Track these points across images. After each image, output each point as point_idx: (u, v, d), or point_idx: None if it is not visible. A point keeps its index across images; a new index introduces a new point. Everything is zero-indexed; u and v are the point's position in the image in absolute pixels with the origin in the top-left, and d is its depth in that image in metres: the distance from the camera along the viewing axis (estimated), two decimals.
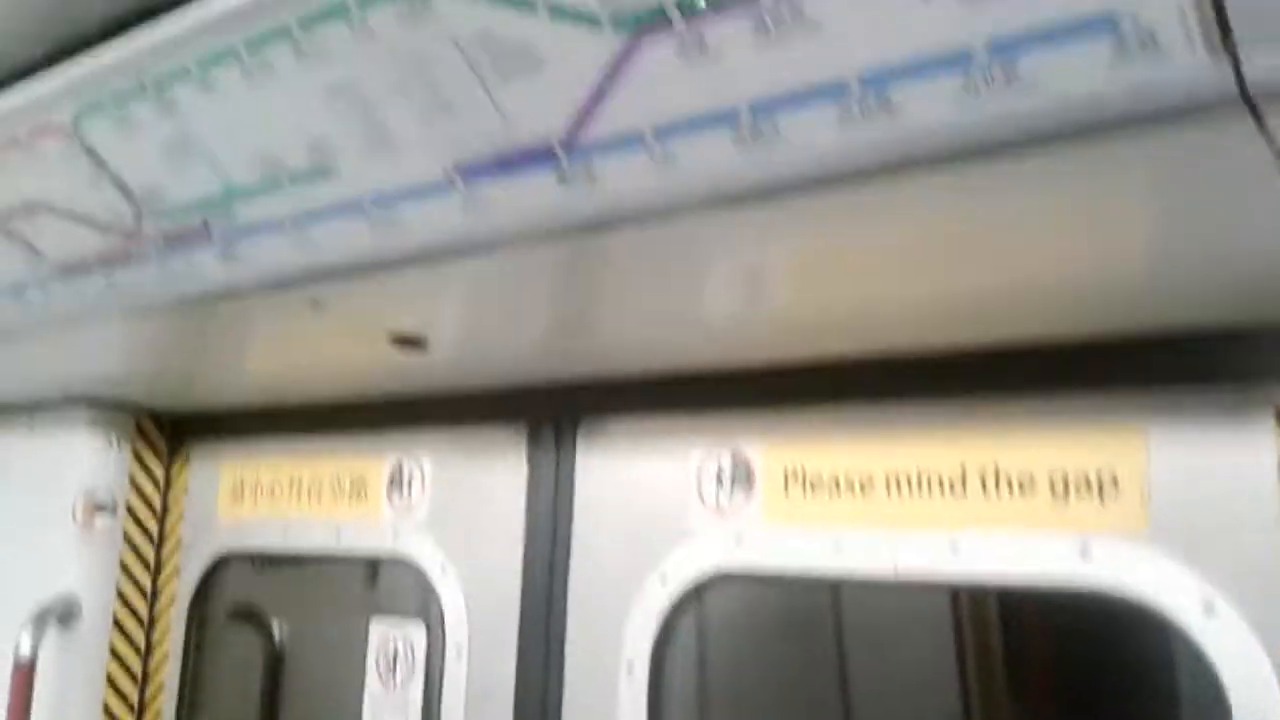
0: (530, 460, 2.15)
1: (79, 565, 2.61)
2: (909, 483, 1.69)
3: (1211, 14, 0.82)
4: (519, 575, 2.11)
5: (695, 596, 1.94)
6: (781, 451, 1.85)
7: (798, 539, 1.79)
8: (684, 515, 1.94)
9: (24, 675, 2.39)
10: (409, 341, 1.87)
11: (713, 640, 1.98)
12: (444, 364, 2.05)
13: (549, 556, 2.08)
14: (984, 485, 1.62)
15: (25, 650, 2.41)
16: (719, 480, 1.90)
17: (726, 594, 1.95)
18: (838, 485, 1.77)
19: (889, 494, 1.71)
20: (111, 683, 2.64)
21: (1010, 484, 1.60)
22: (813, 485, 1.80)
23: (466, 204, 1.28)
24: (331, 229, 1.41)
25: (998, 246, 1.24)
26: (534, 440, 2.16)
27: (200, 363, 2.25)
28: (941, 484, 1.66)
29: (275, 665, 2.64)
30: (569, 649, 2.03)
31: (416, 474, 2.33)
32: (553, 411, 2.14)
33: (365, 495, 2.41)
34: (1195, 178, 1.01)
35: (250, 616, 2.70)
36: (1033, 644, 1.81)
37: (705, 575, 1.90)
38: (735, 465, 1.89)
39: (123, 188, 1.52)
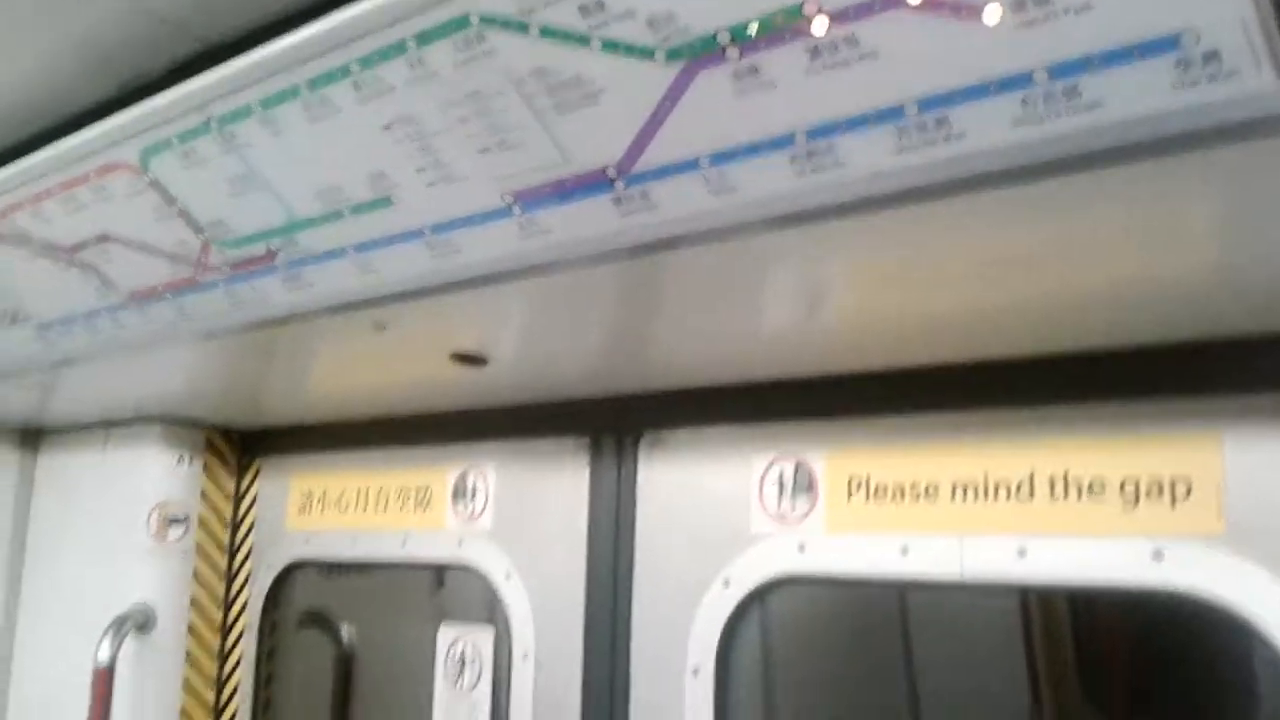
0: (592, 470, 2.17)
1: (154, 575, 2.69)
2: (975, 488, 1.68)
3: (1277, 30, 0.80)
4: (583, 581, 2.14)
5: (759, 601, 1.94)
6: (844, 459, 1.85)
7: (862, 544, 1.79)
8: (746, 522, 1.94)
9: (104, 680, 2.48)
10: (470, 359, 1.89)
11: (777, 644, 1.98)
12: (505, 379, 2.07)
13: (613, 563, 2.10)
14: (1053, 490, 1.61)
15: (105, 656, 2.50)
16: (781, 487, 1.90)
17: (790, 598, 1.95)
18: (902, 491, 1.76)
19: (954, 499, 1.70)
20: (188, 687, 2.72)
21: (1080, 489, 1.59)
22: (876, 491, 1.79)
23: (524, 229, 1.29)
24: (392, 254, 1.43)
25: (1059, 260, 1.22)
26: (595, 450, 2.17)
27: (268, 382, 2.30)
28: (1009, 489, 1.65)
29: (345, 669, 2.69)
30: (634, 653, 2.05)
31: (481, 484, 2.36)
32: (614, 423, 2.15)
33: (430, 505, 2.45)
34: (1263, 191, 0.99)
35: (320, 622, 2.75)
36: (1105, 647, 1.79)
37: (769, 579, 1.91)
38: (797, 473, 1.89)
39: (190, 220, 1.55)
